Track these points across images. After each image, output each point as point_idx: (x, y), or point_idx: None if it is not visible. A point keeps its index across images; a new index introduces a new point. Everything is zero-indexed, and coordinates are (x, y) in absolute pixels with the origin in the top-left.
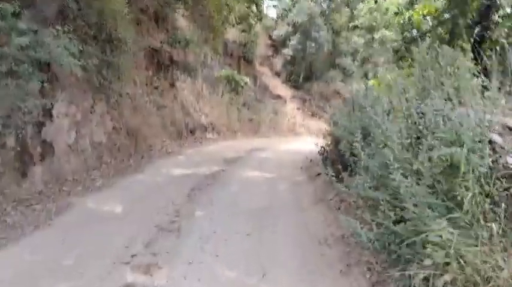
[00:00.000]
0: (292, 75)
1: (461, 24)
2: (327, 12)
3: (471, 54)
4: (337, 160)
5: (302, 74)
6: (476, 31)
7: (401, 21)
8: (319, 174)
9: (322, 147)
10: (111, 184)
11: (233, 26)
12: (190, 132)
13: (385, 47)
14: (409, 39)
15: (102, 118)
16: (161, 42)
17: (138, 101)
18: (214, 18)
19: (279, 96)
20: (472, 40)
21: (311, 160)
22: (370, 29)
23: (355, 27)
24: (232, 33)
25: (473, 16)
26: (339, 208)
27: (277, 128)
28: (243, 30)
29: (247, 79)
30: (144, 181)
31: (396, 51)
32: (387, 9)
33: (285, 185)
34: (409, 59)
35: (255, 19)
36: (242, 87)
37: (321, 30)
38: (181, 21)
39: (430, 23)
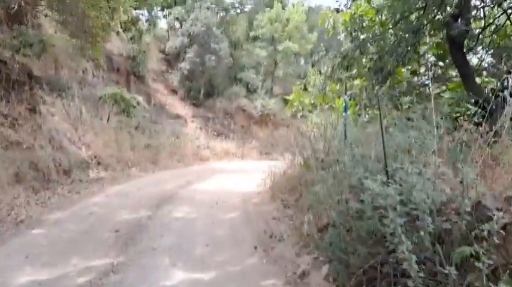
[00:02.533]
0: (191, 91)
1: (426, 20)
2: (223, 24)
3: None
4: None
5: (202, 90)
6: (453, 27)
7: (353, 20)
8: (304, 273)
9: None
10: None
11: (118, 33)
12: (65, 174)
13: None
14: (360, 41)
15: None
16: None
17: None
18: (90, 18)
19: (178, 116)
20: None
21: (271, 235)
22: (272, 41)
23: (256, 37)
24: (118, 45)
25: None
26: None
27: (179, 153)
28: (131, 38)
29: (139, 98)
30: None
31: (344, 57)
32: (288, 20)
33: None
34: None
35: (147, 24)
36: (134, 107)
37: (221, 42)
38: (47, 25)
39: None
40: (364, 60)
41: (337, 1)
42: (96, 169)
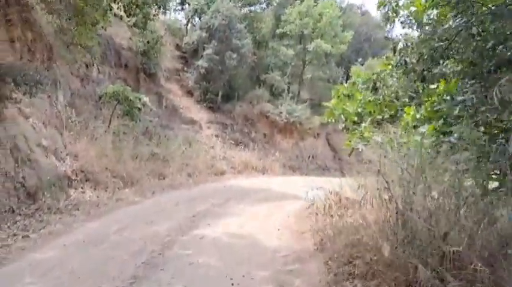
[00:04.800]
0: (207, 93)
1: None
2: (247, 19)
3: None
4: None
5: (220, 92)
6: None
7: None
8: None
9: None
10: None
11: (121, 18)
12: (29, 198)
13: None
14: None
15: None
16: None
17: None
18: None
19: (192, 121)
20: None
21: None
22: (301, 38)
23: (283, 35)
24: (126, 37)
25: None
26: None
27: (191, 165)
28: (134, 25)
29: (145, 98)
30: None
31: (431, 58)
32: (320, 15)
33: None
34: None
35: (155, 7)
36: (139, 109)
37: (244, 37)
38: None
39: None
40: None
41: None
42: (81, 188)
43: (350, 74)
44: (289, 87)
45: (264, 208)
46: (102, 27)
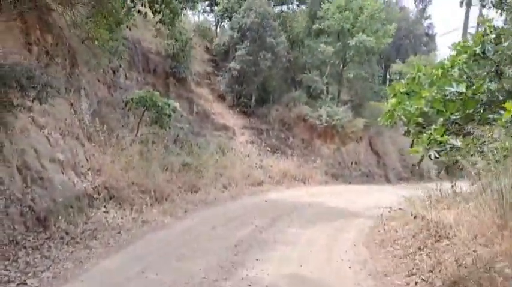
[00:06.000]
0: (241, 97)
1: None
2: (281, 17)
3: None
4: None
5: (254, 96)
6: None
7: None
8: None
9: None
10: None
11: (145, 15)
12: (38, 224)
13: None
14: None
15: None
16: None
17: None
18: None
19: (225, 127)
20: None
21: None
22: (341, 34)
23: (320, 31)
24: (154, 41)
25: None
26: None
27: (226, 175)
28: (161, 21)
29: (176, 104)
30: None
31: None
32: (361, 9)
33: None
34: None
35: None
36: (169, 116)
37: (278, 36)
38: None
39: None
40: None
41: None
42: (104, 207)
43: (389, 73)
44: (327, 88)
45: (321, 232)
46: (127, 26)
